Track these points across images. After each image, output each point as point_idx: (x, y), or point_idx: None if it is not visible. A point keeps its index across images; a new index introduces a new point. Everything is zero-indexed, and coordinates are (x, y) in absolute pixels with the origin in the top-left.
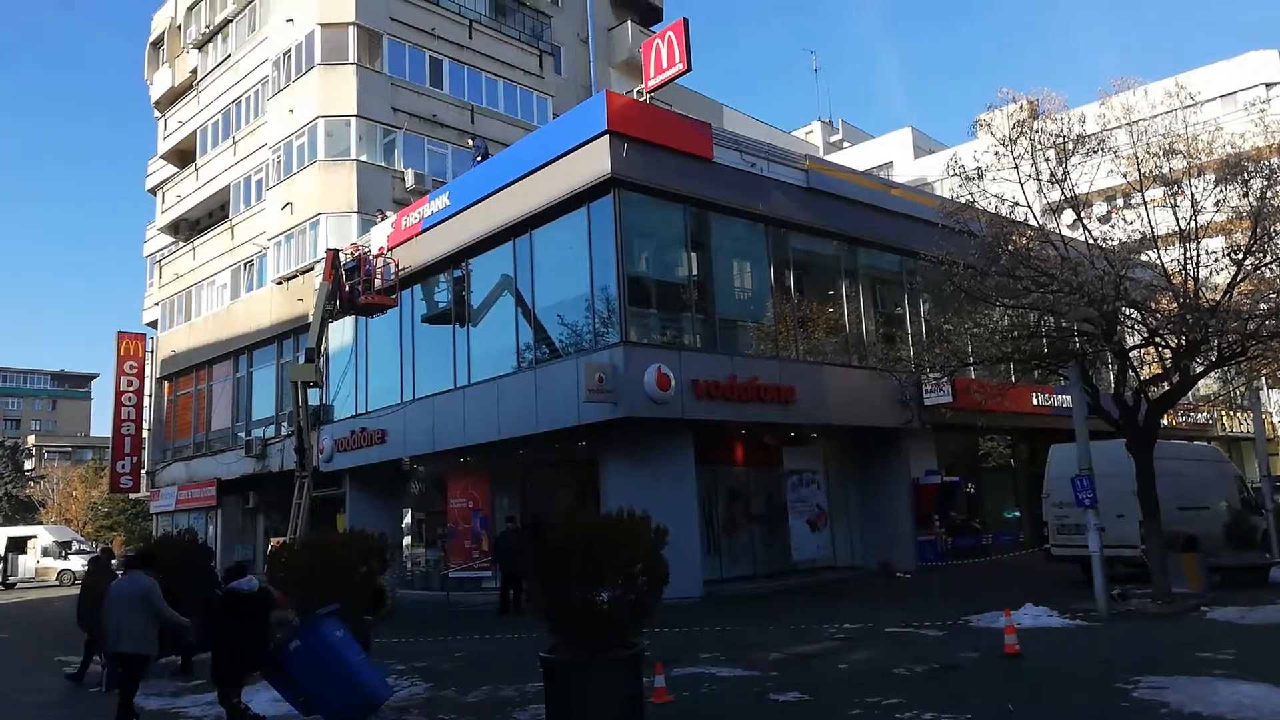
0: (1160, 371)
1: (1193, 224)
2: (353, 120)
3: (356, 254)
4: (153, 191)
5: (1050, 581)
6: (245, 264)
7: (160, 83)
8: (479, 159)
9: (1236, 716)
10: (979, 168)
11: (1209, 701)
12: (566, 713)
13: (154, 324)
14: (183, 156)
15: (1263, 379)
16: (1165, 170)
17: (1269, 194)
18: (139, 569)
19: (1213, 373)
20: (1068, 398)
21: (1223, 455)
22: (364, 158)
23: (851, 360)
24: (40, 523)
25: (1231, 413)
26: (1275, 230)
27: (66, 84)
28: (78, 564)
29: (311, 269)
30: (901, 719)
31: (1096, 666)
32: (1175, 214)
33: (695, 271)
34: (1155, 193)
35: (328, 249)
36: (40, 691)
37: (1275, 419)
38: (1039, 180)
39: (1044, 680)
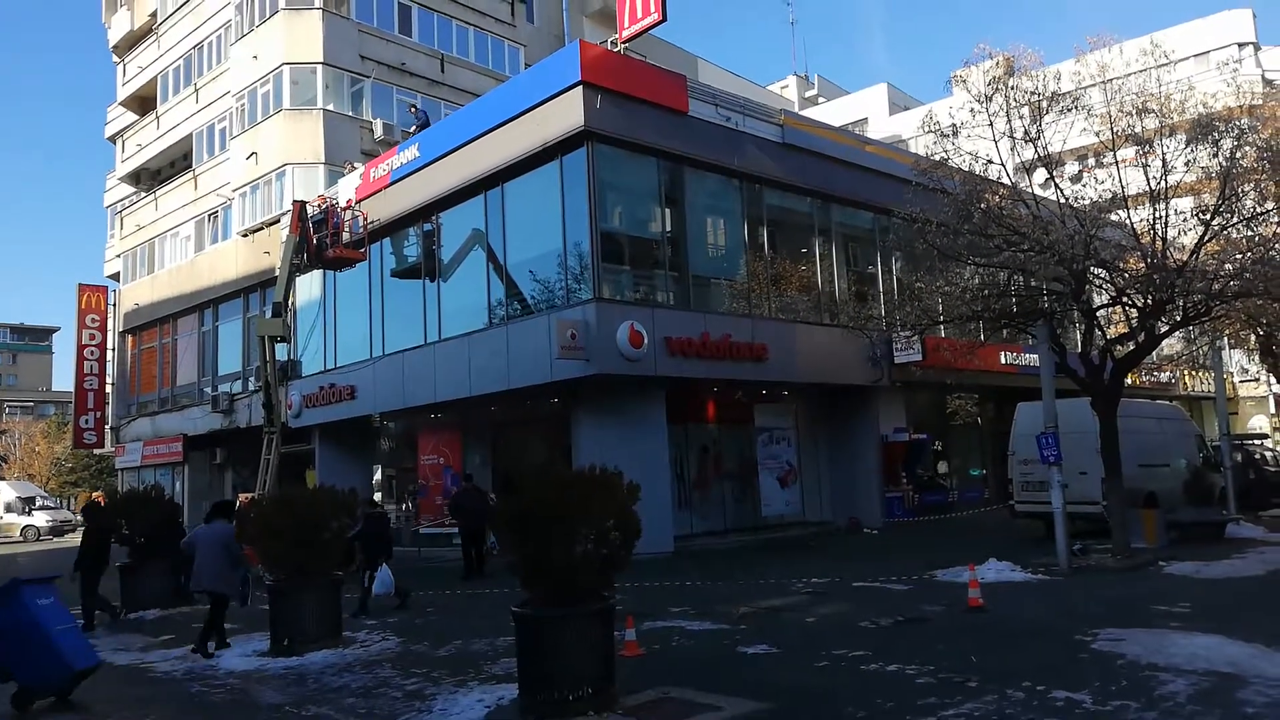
0: (1126, 331)
1: (1163, 184)
2: (319, 68)
3: (324, 206)
4: (112, 140)
5: (1014, 537)
6: (209, 215)
7: (119, 25)
8: (414, 129)
9: (1191, 667)
10: (954, 125)
11: (1165, 653)
12: (539, 665)
13: (116, 276)
14: (143, 103)
15: (1225, 339)
16: (1138, 129)
17: (1238, 154)
18: (220, 518)
19: (1177, 332)
20: (1035, 356)
21: (1184, 414)
22: (331, 107)
23: (823, 318)
24: (3, 478)
25: (1194, 372)
26: (1243, 191)
27: (19, 22)
28: (42, 519)
29: (278, 221)
30: (868, 670)
31: (1057, 619)
32: (1146, 173)
33: (669, 228)
34: (1127, 152)
35: (294, 200)
36: None
37: (1236, 379)
38: (1013, 138)
39: (1006, 632)
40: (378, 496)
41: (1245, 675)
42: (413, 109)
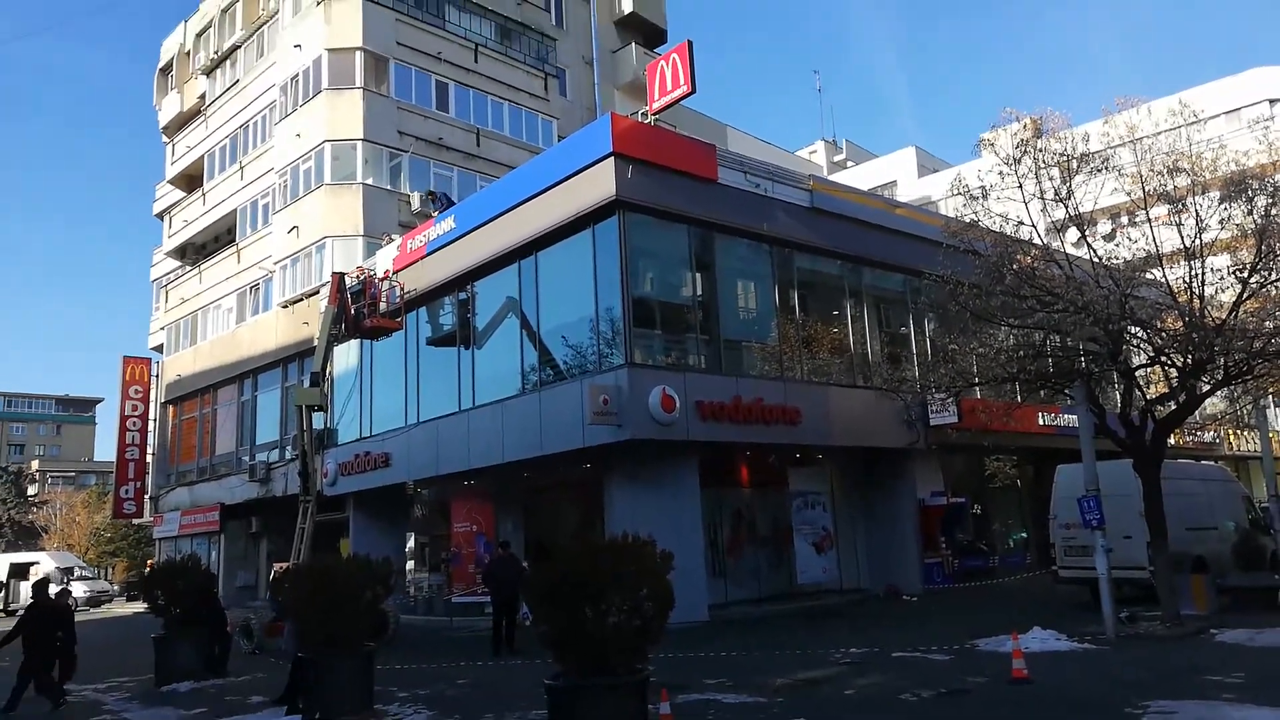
0: (1167, 390)
1: (1198, 242)
2: (359, 144)
3: (362, 277)
4: (160, 216)
5: (1058, 604)
6: (251, 288)
7: (169, 108)
8: (435, 213)
9: None
10: (983, 187)
11: None
12: None
13: (159, 348)
14: (190, 181)
15: (1269, 397)
16: (1169, 188)
17: (1274, 211)
18: None
19: (1219, 391)
20: (1074, 417)
21: (1230, 475)
22: (370, 181)
23: (856, 380)
24: (43, 549)
25: (1238, 431)
26: None
27: (74, 109)
28: (80, 590)
29: (317, 292)
30: None
31: (1105, 690)
32: (1180, 232)
33: (700, 292)
34: (1160, 210)
35: (333, 272)
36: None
37: None
38: (1043, 199)
39: (1052, 705)
40: (410, 564)
41: None
42: (431, 196)
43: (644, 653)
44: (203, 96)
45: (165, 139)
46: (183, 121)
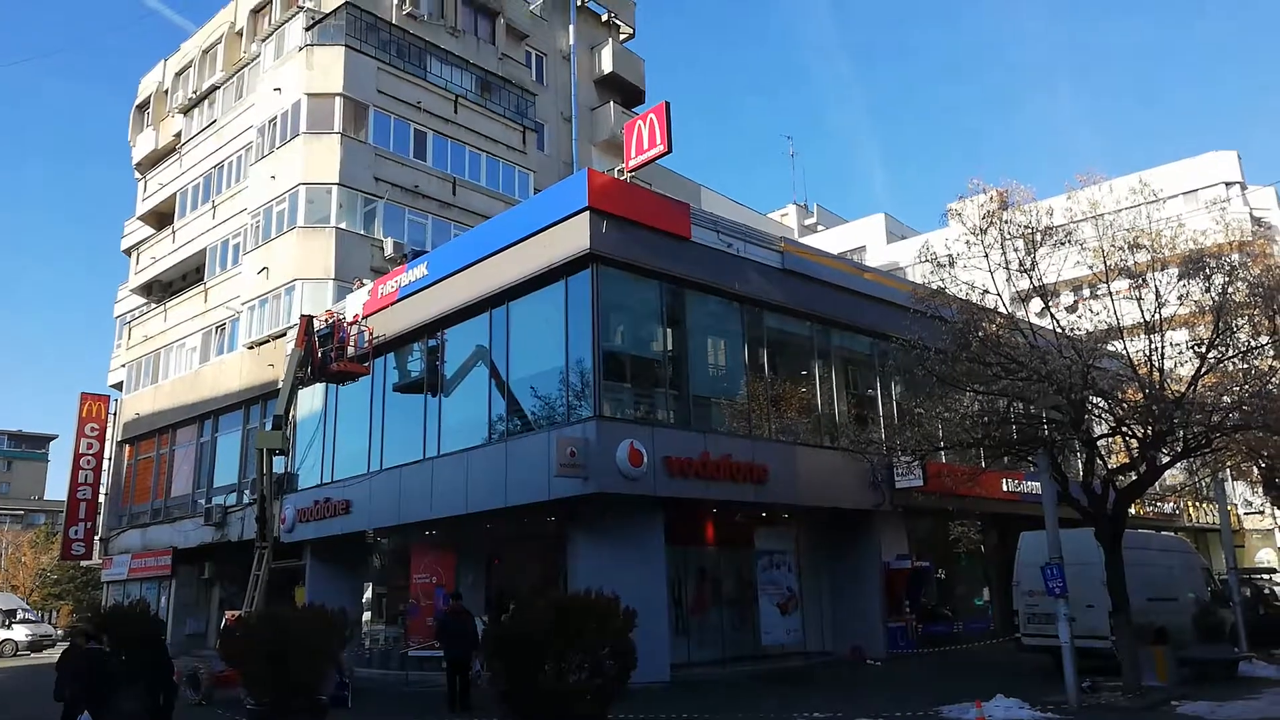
0: (1128, 461)
1: (1157, 316)
2: (334, 188)
3: (331, 320)
4: (128, 252)
5: (1021, 671)
6: (217, 328)
7: (143, 145)
8: (406, 256)
9: None
10: (950, 255)
11: None
12: None
13: (119, 386)
14: (160, 219)
15: (1227, 471)
16: (1130, 263)
17: (1230, 289)
18: None
19: (1179, 463)
20: (1037, 484)
21: (1190, 546)
22: (344, 225)
23: (824, 441)
24: None
25: (1197, 503)
26: (1237, 325)
27: (44, 140)
28: (21, 633)
29: (284, 334)
30: None
31: None
32: (1140, 306)
33: (670, 348)
34: (1120, 284)
35: (302, 315)
36: None
37: (1240, 511)
38: (1008, 269)
39: None
40: (366, 616)
41: None
42: (402, 257)
43: (604, 713)
44: (178, 135)
45: (137, 175)
46: (156, 159)
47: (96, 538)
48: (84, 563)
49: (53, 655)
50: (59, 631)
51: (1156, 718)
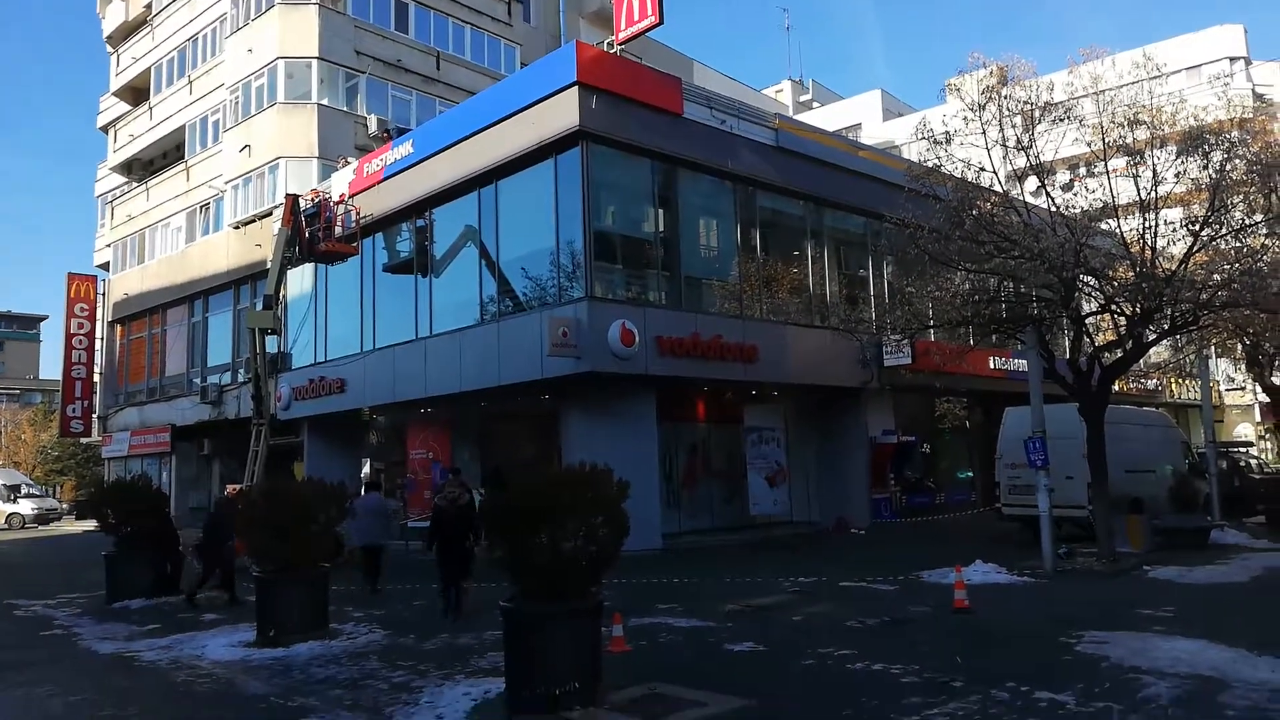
0: (1115, 338)
1: (1153, 194)
2: (314, 62)
3: (317, 200)
4: (104, 130)
5: (1000, 540)
6: (201, 207)
7: (113, 16)
8: (390, 134)
9: (1174, 670)
10: (947, 132)
11: (1148, 656)
12: (526, 660)
13: (106, 266)
14: (136, 94)
15: (1212, 348)
16: (1129, 140)
17: (1228, 167)
18: (373, 491)
19: (1164, 340)
20: (1024, 362)
21: (1170, 421)
22: (325, 101)
23: (814, 320)
24: None
25: (1180, 380)
26: (1232, 203)
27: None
28: (28, 507)
29: (270, 214)
30: (854, 669)
31: (1042, 621)
32: (1136, 184)
33: (662, 228)
34: (1118, 162)
35: (287, 194)
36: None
37: (1222, 387)
38: (1005, 146)
39: (991, 634)
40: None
41: (1227, 679)
42: (386, 134)
43: (598, 578)
44: (149, 6)
45: (110, 49)
46: (128, 31)
47: (94, 416)
48: (84, 440)
49: (60, 529)
50: (64, 505)
51: (1127, 581)
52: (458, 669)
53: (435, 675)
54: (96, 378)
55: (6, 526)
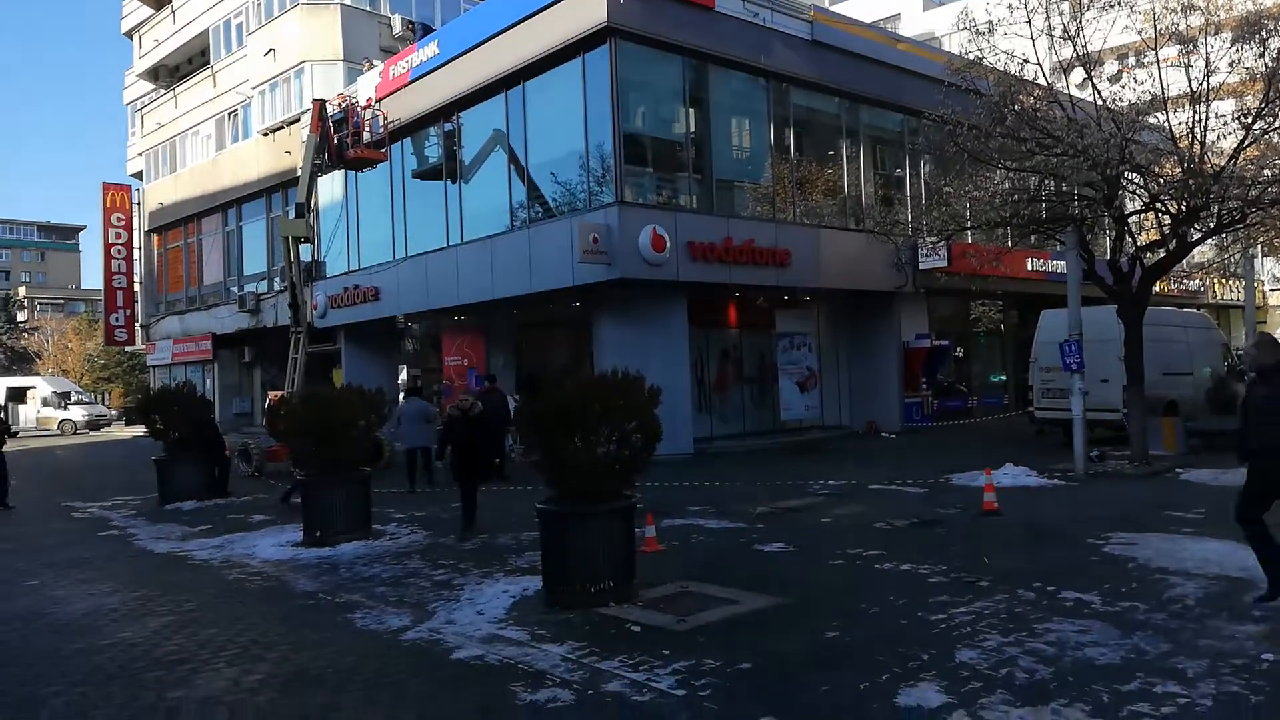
0: (1157, 238)
1: (1205, 85)
2: None
3: (344, 105)
4: (129, 35)
5: (1032, 443)
6: (229, 114)
7: None
8: (415, 34)
9: (1201, 571)
10: (990, 22)
11: (1176, 557)
12: (562, 559)
13: (139, 175)
14: None
15: (1259, 247)
16: (1181, 27)
17: None
18: (415, 396)
19: (1209, 240)
20: (1062, 264)
21: (1210, 322)
22: (349, 1)
23: (848, 223)
24: (38, 374)
25: (1223, 280)
26: None
27: None
28: (79, 414)
29: (298, 120)
30: (882, 569)
31: (1070, 523)
32: (1188, 74)
33: (693, 129)
34: (1169, 51)
35: (314, 99)
36: (55, 534)
37: (1267, 288)
38: (1051, 36)
39: (1019, 535)
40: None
41: (1256, 580)
42: (410, 28)
43: (631, 481)
44: None
45: None
46: None
47: (137, 324)
48: (128, 348)
49: (110, 434)
50: (113, 412)
51: (1159, 484)
52: (496, 568)
53: (475, 573)
54: (137, 287)
55: (59, 432)
